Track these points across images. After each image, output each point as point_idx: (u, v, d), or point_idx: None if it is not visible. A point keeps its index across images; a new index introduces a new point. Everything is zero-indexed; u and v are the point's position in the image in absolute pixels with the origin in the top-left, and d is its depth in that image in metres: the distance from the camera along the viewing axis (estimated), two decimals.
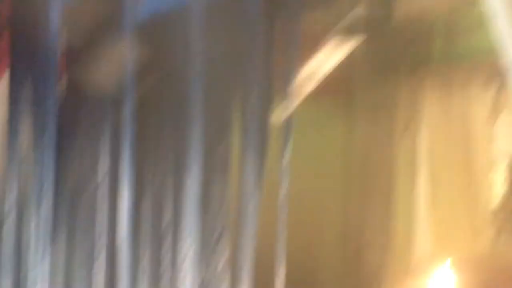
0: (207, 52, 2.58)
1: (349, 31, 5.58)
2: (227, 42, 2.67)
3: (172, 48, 2.69)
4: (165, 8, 2.62)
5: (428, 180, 6.01)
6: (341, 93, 5.83)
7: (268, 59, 2.67)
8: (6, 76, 3.20)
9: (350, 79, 5.78)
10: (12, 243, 2.92)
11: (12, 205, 2.87)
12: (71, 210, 3.00)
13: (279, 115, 2.83)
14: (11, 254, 2.86)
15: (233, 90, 2.77)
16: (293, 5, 2.58)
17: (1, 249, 2.92)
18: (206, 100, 2.70)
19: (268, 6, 2.59)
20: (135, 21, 2.61)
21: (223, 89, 2.76)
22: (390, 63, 5.65)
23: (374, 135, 5.85)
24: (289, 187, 5.45)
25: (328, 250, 5.59)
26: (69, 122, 2.98)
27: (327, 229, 5.70)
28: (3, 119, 2.96)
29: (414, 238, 5.98)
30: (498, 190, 6.03)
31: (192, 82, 2.63)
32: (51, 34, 2.75)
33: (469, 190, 6.15)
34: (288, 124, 2.78)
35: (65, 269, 2.92)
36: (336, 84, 5.71)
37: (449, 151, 5.98)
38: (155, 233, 2.92)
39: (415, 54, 5.64)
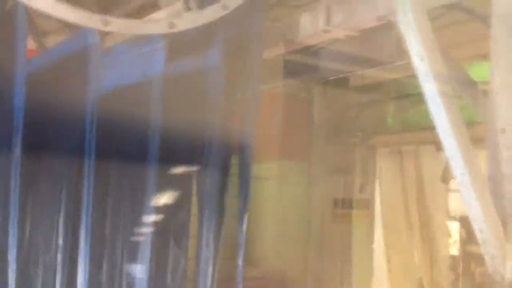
0: (167, 118, 2.51)
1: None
2: (187, 112, 2.60)
3: (133, 117, 2.61)
4: (128, 80, 2.55)
5: (385, 235, 6.01)
6: (302, 156, 5.83)
7: (227, 128, 2.61)
8: None
9: (309, 143, 5.78)
10: None
11: None
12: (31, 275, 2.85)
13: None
14: None
15: (192, 156, 2.69)
16: (253, 79, 2.54)
17: None
18: (164, 165, 2.62)
19: (229, 80, 2.55)
20: (98, 90, 2.53)
21: (182, 155, 2.69)
22: (345, 127, 5.71)
23: (332, 194, 5.83)
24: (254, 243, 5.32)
25: None
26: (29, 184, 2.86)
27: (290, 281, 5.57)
28: None
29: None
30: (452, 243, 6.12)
31: (151, 147, 2.53)
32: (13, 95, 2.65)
33: (426, 242, 6.18)
34: (246, 188, 2.70)
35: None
36: (297, 147, 5.71)
37: (405, 208, 6.01)
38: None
39: (370, 120, 5.72)
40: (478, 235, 1.98)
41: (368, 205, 5.84)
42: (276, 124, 5.36)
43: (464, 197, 1.96)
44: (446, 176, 5.42)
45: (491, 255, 1.98)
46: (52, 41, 3.88)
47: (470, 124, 2.21)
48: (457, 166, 1.93)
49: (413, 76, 1.95)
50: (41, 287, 2.62)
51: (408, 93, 5.18)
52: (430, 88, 1.88)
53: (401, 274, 5.90)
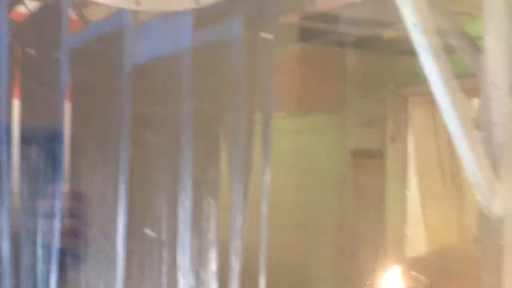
0: (196, 88, 2.82)
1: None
2: (213, 78, 2.91)
3: (165, 85, 2.93)
4: (159, 52, 2.86)
5: (417, 185, 6.25)
6: (335, 108, 6.07)
7: (250, 90, 2.90)
8: None
9: (342, 95, 6.02)
10: None
11: None
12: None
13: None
14: None
15: (220, 119, 3.01)
16: (270, 44, 2.81)
17: None
18: (196, 128, 2.95)
19: (250, 49, 2.82)
20: (133, 61, 2.86)
21: (211, 118, 3.00)
22: (378, 79, 5.89)
23: (366, 146, 6.08)
24: (289, 194, 5.66)
25: (325, 252, 5.80)
26: (75, 149, 3.26)
27: (325, 233, 5.91)
28: None
29: (405, 239, 6.20)
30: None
31: (183, 113, 2.85)
32: (60, 70, 3.00)
33: (456, 193, 6.39)
34: (268, 143, 2.96)
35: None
36: (329, 99, 5.95)
37: (436, 158, 6.21)
38: (153, 246, 3.18)
39: (402, 71, 5.87)
40: (471, 178, 2.25)
41: (401, 154, 6.06)
42: (310, 78, 5.60)
43: (457, 144, 2.22)
44: (477, 123, 5.58)
45: (482, 195, 2.25)
46: (91, 12, 4.24)
47: (464, 76, 2.44)
48: (449, 116, 2.18)
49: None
50: None
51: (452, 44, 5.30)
52: (421, 43, 2.13)
53: (436, 220, 6.15)
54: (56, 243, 2.86)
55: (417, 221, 6.33)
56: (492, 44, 2.23)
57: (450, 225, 6.27)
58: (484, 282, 2.34)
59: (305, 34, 3.75)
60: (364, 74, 5.83)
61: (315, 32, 3.67)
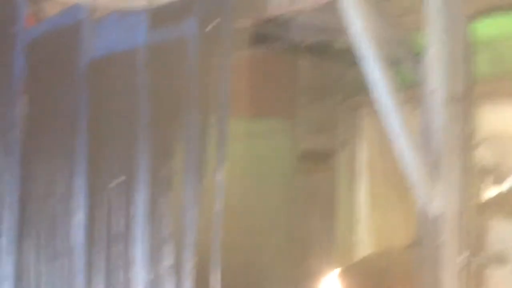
0: (151, 85, 2.89)
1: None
2: (167, 77, 2.98)
3: (120, 81, 2.99)
4: (115, 48, 2.92)
5: (366, 190, 6.45)
6: (287, 114, 6.21)
7: (204, 92, 2.98)
8: None
9: (293, 100, 6.16)
10: None
11: None
12: (36, 218, 3.29)
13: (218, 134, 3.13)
14: None
15: (174, 118, 3.08)
16: (226, 46, 2.90)
17: None
18: (151, 126, 3.01)
19: (205, 43, 2.91)
20: (89, 56, 2.91)
21: (166, 118, 3.07)
22: (329, 87, 6.07)
23: (317, 151, 6.24)
24: (240, 197, 5.75)
25: (273, 256, 5.90)
26: (31, 141, 3.27)
27: (273, 237, 6.02)
28: None
29: (354, 243, 6.38)
30: None
31: (140, 114, 2.92)
32: (14, 63, 3.02)
33: (403, 199, 6.63)
34: (222, 143, 3.05)
35: (33, 268, 3.22)
36: (281, 104, 6.09)
37: (384, 165, 6.44)
38: (109, 240, 3.22)
39: (352, 80, 6.07)
40: (410, 179, 2.40)
41: (350, 160, 6.24)
42: (262, 83, 5.72)
43: (398, 148, 2.37)
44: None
45: (420, 196, 2.41)
46: (47, 6, 4.23)
47: (411, 86, 2.60)
48: (391, 121, 2.33)
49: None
50: None
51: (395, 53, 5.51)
52: (367, 55, 2.27)
53: (384, 225, 6.36)
54: None
55: (366, 226, 6.54)
56: (432, 54, 2.39)
57: (398, 230, 6.49)
58: (423, 279, 2.49)
59: (258, 40, 3.85)
60: (316, 81, 6.00)
61: (267, 37, 3.79)
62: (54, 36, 3.02)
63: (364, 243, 6.31)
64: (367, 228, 6.42)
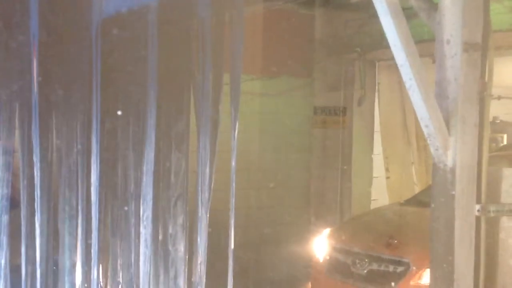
0: (164, 42, 2.90)
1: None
2: (180, 36, 2.99)
3: (132, 42, 3.00)
4: (128, 5, 2.93)
5: (384, 145, 6.48)
6: (304, 71, 6.20)
7: (217, 49, 2.99)
8: None
9: (310, 57, 6.14)
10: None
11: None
12: (53, 176, 3.38)
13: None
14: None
15: (188, 75, 3.10)
16: (238, 1, 2.89)
17: None
18: (164, 84, 3.03)
19: (216, 4, 2.90)
20: (102, 15, 2.93)
21: (179, 75, 3.09)
22: (346, 42, 6.03)
23: (333, 107, 6.25)
24: (259, 155, 5.79)
25: (290, 211, 6.00)
26: (45, 101, 3.33)
27: (292, 192, 6.10)
28: None
29: (370, 199, 6.45)
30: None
31: (151, 72, 2.93)
32: (28, 20, 3.05)
33: (420, 154, 6.65)
34: (236, 101, 3.05)
35: (52, 225, 3.33)
36: (297, 62, 6.08)
37: (401, 121, 6.44)
38: (123, 198, 3.29)
39: (370, 34, 6.01)
40: (425, 130, 2.41)
41: (367, 117, 6.25)
42: (277, 42, 5.69)
43: (412, 98, 2.37)
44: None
45: (435, 147, 2.43)
46: None
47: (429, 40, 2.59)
48: (406, 73, 2.33)
49: None
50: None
51: (404, 7, 5.44)
52: (381, 9, 2.26)
53: (398, 181, 6.41)
54: None
55: (382, 183, 6.59)
56: (447, 3, 2.38)
57: (413, 186, 6.55)
58: (435, 229, 2.53)
59: None
60: (333, 37, 5.96)
61: None
62: None
63: (380, 200, 6.39)
64: (383, 185, 6.48)
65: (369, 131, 6.39)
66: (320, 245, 4.28)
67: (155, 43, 2.85)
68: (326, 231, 4.42)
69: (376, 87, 6.25)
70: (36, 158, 3.14)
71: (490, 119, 6.51)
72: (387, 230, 3.94)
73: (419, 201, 4.26)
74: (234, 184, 3.02)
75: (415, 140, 6.27)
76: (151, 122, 2.92)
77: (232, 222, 3.01)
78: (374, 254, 3.76)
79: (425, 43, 3.07)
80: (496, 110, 7.30)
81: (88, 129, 3.04)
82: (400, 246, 3.61)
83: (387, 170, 6.39)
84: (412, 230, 3.79)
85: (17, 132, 3.25)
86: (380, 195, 6.42)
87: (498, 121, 7.96)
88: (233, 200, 3.02)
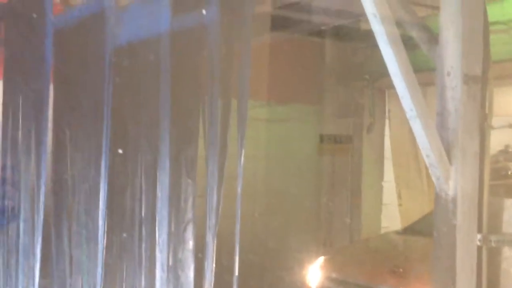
0: (174, 70, 3.00)
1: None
2: (191, 63, 3.08)
3: (144, 70, 3.11)
4: (140, 35, 3.04)
5: (395, 172, 6.50)
6: (313, 98, 6.28)
7: (225, 77, 3.08)
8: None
9: (319, 85, 6.23)
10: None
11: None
12: (66, 202, 3.47)
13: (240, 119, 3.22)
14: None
15: (197, 103, 3.19)
16: (245, 31, 2.99)
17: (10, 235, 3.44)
18: (175, 111, 3.12)
19: (225, 29, 3.00)
20: (114, 43, 3.04)
21: (188, 103, 3.18)
22: (356, 70, 6.12)
23: (342, 134, 6.30)
24: (266, 181, 5.82)
25: (299, 238, 6.01)
26: (59, 127, 3.44)
27: (299, 219, 6.12)
28: None
29: (380, 228, 6.45)
30: None
31: (163, 99, 3.02)
32: (44, 50, 3.16)
33: (431, 183, 6.64)
34: (242, 128, 3.12)
35: (64, 251, 3.41)
36: (307, 89, 6.17)
37: (411, 149, 6.47)
38: (133, 222, 3.35)
39: (379, 62, 6.08)
40: (426, 160, 2.47)
41: (377, 144, 6.30)
42: (287, 70, 5.79)
43: (413, 129, 2.44)
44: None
45: (436, 177, 2.48)
46: None
47: (428, 69, 2.66)
48: (407, 103, 2.40)
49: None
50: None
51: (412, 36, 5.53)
52: (379, 32, 2.34)
53: (411, 208, 6.41)
54: None
55: (393, 211, 6.60)
56: (448, 36, 2.45)
57: (423, 212, 6.54)
58: (437, 258, 2.56)
59: (280, 25, 3.93)
60: (342, 65, 6.06)
61: (290, 22, 3.86)
62: (81, 23, 3.16)
63: (390, 225, 6.39)
64: (394, 213, 6.48)
65: (379, 158, 6.44)
66: (313, 274, 4.22)
67: (166, 72, 2.95)
68: (320, 259, 4.35)
69: (386, 114, 6.31)
70: (42, 182, 3.21)
71: (502, 147, 6.53)
72: (381, 259, 3.89)
73: (416, 230, 4.23)
74: (239, 210, 3.08)
75: (426, 169, 6.28)
76: (164, 148, 2.99)
77: (237, 247, 3.06)
78: (369, 285, 3.71)
79: (433, 71, 3.15)
80: (509, 138, 7.31)
81: (99, 155, 3.12)
82: (396, 277, 3.55)
83: (399, 197, 6.41)
84: (409, 259, 3.76)
85: (32, 156, 3.34)
86: (391, 223, 6.42)
87: (511, 150, 7.96)
88: (239, 226, 3.08)
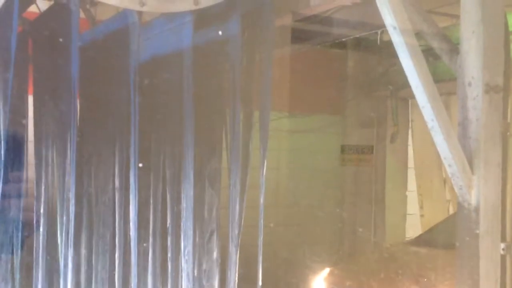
0: (197, 84, 3.06)
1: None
2: (214, 76, 3.15)
3: (168, 81, 3.17)
4: (163, 51, 3.11)
5: (418, 182, 6.47)
6: (336, 109, 6.31)
7: (247, 89, 3.13)
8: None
9: (342, 96, 6.26)
10: (43, 241, 3.51)
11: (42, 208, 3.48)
12: (91, 214, 3.54)
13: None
14: (43, 249, 3.47)
15: (220, 116, 3.24)
16: (267, 44, 3.04)
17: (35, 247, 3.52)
18: (197, 122, 3.18)
19: (247, 43, 3.05)
20: (138, 58, 3.11)
21: (211, 116, 3.24)
22: (378, 80, 6.13)
23: (365, 144, 6.30)
24: (288, 191, 5.82)
25: (322, 248, 6.01)
26: (84, 141, 3.52)
27: (322, 229, 6.12)
28: None
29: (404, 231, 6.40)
30: None
31: (186, 113, 3.09)
32: (70, 67, 3.25)
33: (454, 193, 6.58)
34: (265, 139, 3.16)
35: (88, 261, 3.48)
36: (330, 100, 6.20)
37: (435, 159, 6.44)
38: (158, 233, 3.41)
39: (402, 72, 6.09)
40: (448, 170, 2.48)
41: (400, 154, 6.28)
42: (309, 81, 5.83)
43: (435, 139, 2.45)
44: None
45: (459, 186, 2.48)
46: (99, 11, 4.50)
47: (451, 79, 2.67)
48: (428, 114, 2.42)
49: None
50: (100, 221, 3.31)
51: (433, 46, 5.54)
52: (399, 43, 2.37)
53: (433, 219, 6.37)
54: None
55: (418, 221, 6.56)
56: (468, 46, 2.46)
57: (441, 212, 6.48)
58: (460, 268, 2.56)
59: (302, 36, 3.97)
60: (365, 75, 6.08)
61: (312, 34, 3.90)
62: (106, 39, 3.24)
63: (415, 235, 6.35)
64: (417, 221, 6.44)
65: (402, 168, 6.42)
66: (318, 286, 4.17)
67: (189, 86, 3.01)
68: (325, 271, 4.30)
69: (410, 124, 6.30)
70: (72, 195, 3.28)
71: None
72: (386, 270, 3.83)
73: (424, 240, 4.18)
74: (262, 221, 3.12)
75: (448, 178, 6.25)
76: (189, 160, 3.05)
77: (260, 258, 3.10)
78: None
79: (454, 81, 3.16)
80: None
81: (126, 167, 3.19)
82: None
83: (421, 208, 6.39)
84: (413, 271, 3.70)
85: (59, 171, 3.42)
86: (416, 233, 6.38)
87: None
88: (261, 237, 3.12)
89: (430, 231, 4.39)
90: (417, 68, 2.36)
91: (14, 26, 2.89)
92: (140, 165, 3.04)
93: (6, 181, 3.25)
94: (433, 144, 6.40)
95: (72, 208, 3.27)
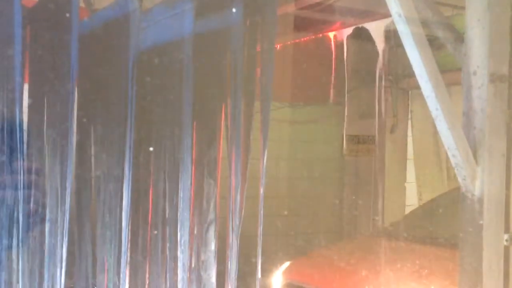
0: (197, 72, 3.02)
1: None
2: (214, 65, 3.11)
3: (167, 73, 3.14)
4: (163, 38, 3.07)
5: (417, 173, 6.46)
6: (336, 99, 6.28)
7: (248, 78, 3.09)
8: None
9: (342, 85, 6.23)
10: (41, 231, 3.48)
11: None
12: (89, 203, 3.52)
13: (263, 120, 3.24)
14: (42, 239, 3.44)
15: (220, 105, 3.21)
16: (269, 32, 3.00)
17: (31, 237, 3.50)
18: (197, 111, 3.15)
19: (249, 31, 3.02)
20: (138, 46, 3.08)
21: (211, 104, 3.21)
22: (378, 71, 6.09)
23: (365, 135, 6.28)
24: (289, 182, 5.82)
25: (322, 239, 6.01)
26: (82, 130, 3.49)
27: (322, 220, 6.11)
28: None
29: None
30: None
31: (186, 102, 3.06)
32: (69, 55, 3.21)
33: (452, 183, 6.61)
34: (265, 129, 3.14)
35: (85, 251, 3.46)
36: (330, 90, 6.17)
37: (434, 150, 6.43)
38: (155, 223, 3.39)
39: (403, 62, 6.08)
40: (452, 160, 2.45)
41: (399, 145, 6.27)
42: (309, 71, 5.80)
43: (439, 128, 2.43)
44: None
45: (462, 177, 2.46)
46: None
47: (453, 69, 2.64)
48: (432, 103, 2.39)
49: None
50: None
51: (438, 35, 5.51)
52: (404, 32, 2.33)
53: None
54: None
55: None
56: (474, 35, 2.43)
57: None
58: (463, 258, 2.54)
59: (304, 25, 3.94)
60: (365, 65, 6.05)
61: (313, 22, 3.87)
62: (105, 28, 3.20)
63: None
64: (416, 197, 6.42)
65: (402, 159, 6.41)
66: (275, 281, 3.98)
67: (189, 74, 2.97)
68: (284, 265, 4.11)
69: (409, 115, 6.28)
70: (68, 183, 3.25)
71: None
72: (348, 265, 3.67)
73: (389, 232, 4.10)
74: (262, 211, 3.09)
75: (447, 170, 6.26)
76: (187, 149, 3.02)
77: (259, 249, 3.08)
78: None
79: (459, 71, 3.14)
80: None
81: (122, 156, 3.16)
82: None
83: (420, 199, 6.38)
84: (373, 264, 3.57)
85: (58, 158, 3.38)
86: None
87: None
88: (261, 228, 3.09)
89: (397, 223, 4.32)
90: (422, 57, 2.33)
91: (15, 13, 2.85)
92: (142, 152, 3.01)
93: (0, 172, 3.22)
94: (432, 135, 6.43)
95: (67, 198, 3.25)
